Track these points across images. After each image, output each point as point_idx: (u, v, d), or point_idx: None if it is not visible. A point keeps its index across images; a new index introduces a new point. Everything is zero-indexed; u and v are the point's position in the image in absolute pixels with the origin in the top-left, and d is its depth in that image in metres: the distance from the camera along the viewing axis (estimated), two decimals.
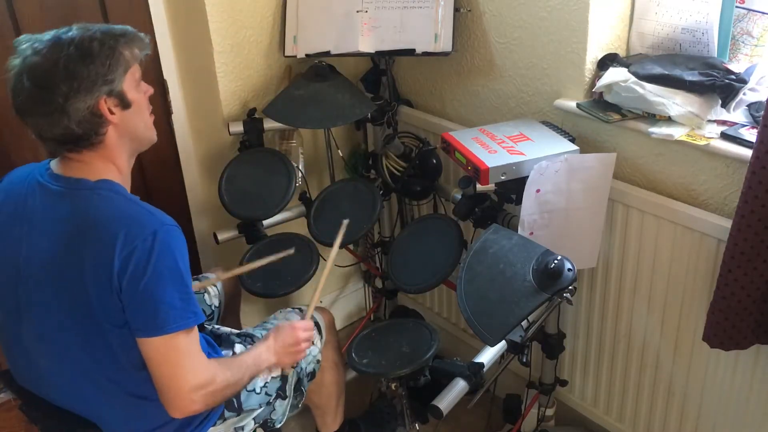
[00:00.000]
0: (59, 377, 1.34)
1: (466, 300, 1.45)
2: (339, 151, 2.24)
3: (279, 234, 2.00)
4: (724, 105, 1.49)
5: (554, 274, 1.37)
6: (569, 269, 1.38)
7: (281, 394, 1.61)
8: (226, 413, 1.50)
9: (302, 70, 2.08)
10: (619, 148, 1.68)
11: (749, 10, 1.57)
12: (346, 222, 1.72)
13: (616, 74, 1.59)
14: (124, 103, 1.28)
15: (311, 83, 1.97)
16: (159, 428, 1.38)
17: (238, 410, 1.52)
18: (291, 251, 1.73)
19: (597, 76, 1.68)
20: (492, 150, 1.62)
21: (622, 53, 1.72)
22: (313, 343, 1.70)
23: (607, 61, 1.67)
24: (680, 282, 1.60)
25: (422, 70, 2.17)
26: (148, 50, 1.34)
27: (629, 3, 1.70)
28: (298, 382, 1.65)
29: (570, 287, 1.37)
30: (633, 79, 1.56)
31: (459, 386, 1.53)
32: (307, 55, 2.02)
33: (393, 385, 1.70)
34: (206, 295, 1.78)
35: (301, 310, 1.77)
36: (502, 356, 1.61)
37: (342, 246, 1.75)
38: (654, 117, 1.58)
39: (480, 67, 1.96)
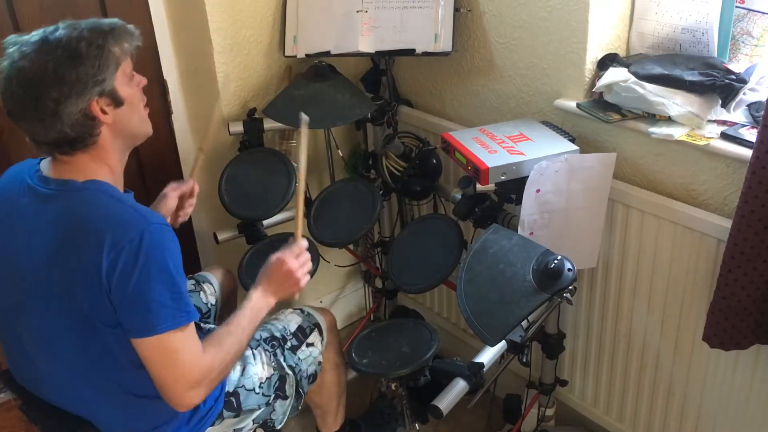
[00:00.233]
0: (58, 378, 1.34)
1: (466, 300, 1.45)
2: (339, 151, 2.24)
3: (279, 234, 2.00)
4: (724, 105, 1.49)
5: (554, 274, 1.37)
6: (569, 269, 1.38)
7: (281, 394, 1.61)
8: (225, 413, 1.50)
9: (302, 70, 2.08)
10: (619, 148, 1.68)
11: (749, 10, 1.57)
12: (306, 119, 1.53)
13: (616, 74, 1.59)
14: (117, 102, 1.27)
15: (311, 83, 1.97)
16: (158, 428, 1.38)
17: (237, 411, 1.52)
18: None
19: (597, 76, 1.68)
20: (492, 150, 1.62)
21: (622, 53, 1.72)
22: (312, 344, 1.70)
23: (607, 61, 1.67)
24: (680, 282, 1.60)
25: (422, 70, 2.17)
26: (138, 42, 1.31)
27: (629, 3, 1.70)
28: (298, 383, 1.65)
29: (570, 287, 1.37)
30: (633, 79, 1.56)
31: (459, 386, 1.53)
32: (307, 55, 2.02)
33: (393, 385, 1.69)
34: (202, 293, 1.78)
35: (302, 311, 1.76)
36: (502, 356, 1.61)
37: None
38: (654, 117, 1.58)
39: (480, 67, 1.96)
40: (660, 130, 1.54)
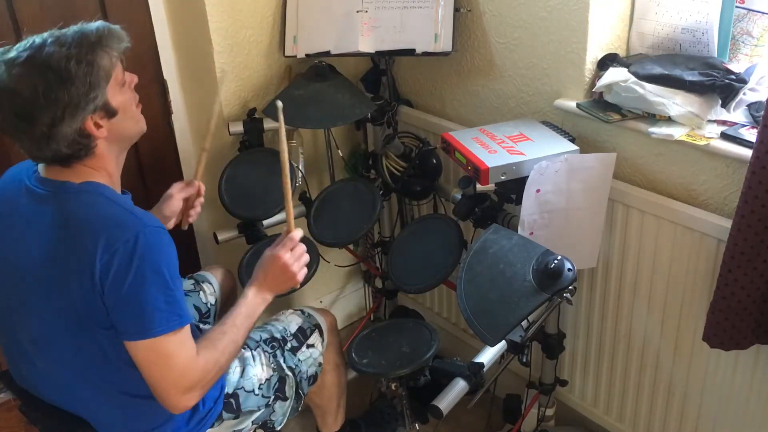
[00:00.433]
0: (57, 378, 1.34)
1: (466, 300, 1.45)
2: (339, 151, 2.24)
3: (279, 234, 2.00)
4: (724, 105, 1.49)
5: (554, 274, 1.37)
6: (569, 269, 1.38)
7: (281, 395, 1.61)
8: (224, 415, 1.50)
9: (302, 70, 2.08)
10: (619, 148, 1.68)
11: (749, 10, 1.57)
12: (280, 105, 1.51)
13: (616, 74, 1.59)
14: (110, 113, 1.26)
15: (311, 83, 1.97)
16: (157, 429, 1.38)
17: (237, 412, 1.52)
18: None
19: (597, 76, 1.68)
20: (492, 150, 1.62)
21: (622, 53, 1.72)
22: (313, 346, 1.70)
23: (607, 61, 1.67)
24: (680, 282, 1.60)
25: (422, 70, 2.17)
26: (127, 43, 1.28)
27: (629, 3, 1.70)
28: (298, 385, 1.65)
29: (570, 287, 1.37)
30: (633, 79, 1.56)
31: (459, 386, 1.53)
32: (307, 55, 2.02)
33: (393, 385, 1.70)
34: (202, 293, 1.78)
35: (303, 312, 1.76)
36: (502, 356, 1.61)
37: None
38: (654, 117, 1.58)
39: (480, 67, 1.96)
40: (660, 130, 1.54)
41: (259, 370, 1.57)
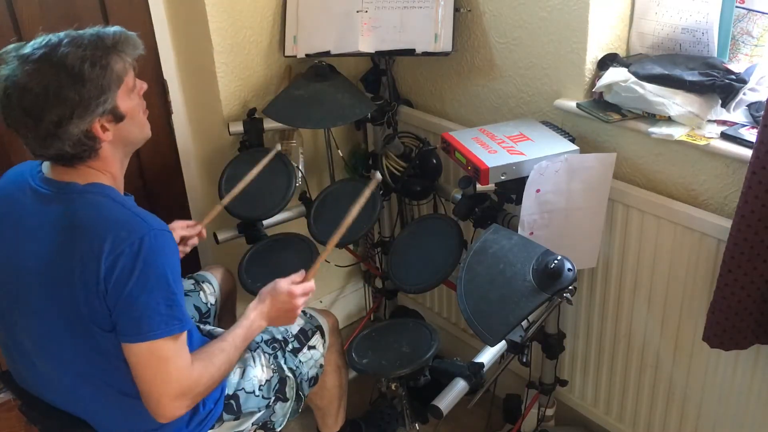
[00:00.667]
0: (57, 379, 1.34)
1: (466, 300, 1.45)
2: (339, 151, 2.24)
3: (279, 234, 2.00)
4: (724, 105, 1.49)
5: (554, 274, 1.37)
6: (569, 269, 1.38)
7: (281, 396, 1.60)
8: (225, 416, 1.50)
9: (302, 70, 2.08)
10: (619, 148, 1.68)
11: (749, 10, 1.57)
12: (378, 176, 1.64)
13: (616, 74, 1.59)
14: (118, 117, 1.26)
15: (311, 83, 1.96)
16: (157, 429, 1.37)
17: (237, 413, 1.52)
18: (272, 153, 1.76)
19: (597, 76, 1.68)
20: (492, 150, 1.62)
21: (622, 53, 1.72)
22: (314, 347, 1.70)
23: (607, 61, 1.67)
24: (680, 282, 1.60)
25: (422, 70, 2.17)
26: (141, 51, 1.30)
27: (629, 3, 1.70)
28: (299, 386, 1.65)
29: (570, 287, 1.37)
30: (633, 79, 1.56)
31: (459, 386, 1.53)
32: (307, 55, 2.02)
33: (393, 385, 1.69)
34: (201, 293, 1.78)
35: (304, 312, 1.76)
36: (502, 356, 1.61)
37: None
38: (654, 117, 1.58)
39: (480, 67, 1.96)
40: (660, 130, 1.54)
41: (259, 372, 1.57)
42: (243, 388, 1.53)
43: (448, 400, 1.50)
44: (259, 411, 1.56)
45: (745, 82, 1.46)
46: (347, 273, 2.60)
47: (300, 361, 1.66)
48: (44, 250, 1.24)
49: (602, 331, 1.84)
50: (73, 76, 1.18)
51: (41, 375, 1.36)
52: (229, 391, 1.51)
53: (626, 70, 1.59)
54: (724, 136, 1.48)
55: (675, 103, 1.51)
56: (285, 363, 1.63)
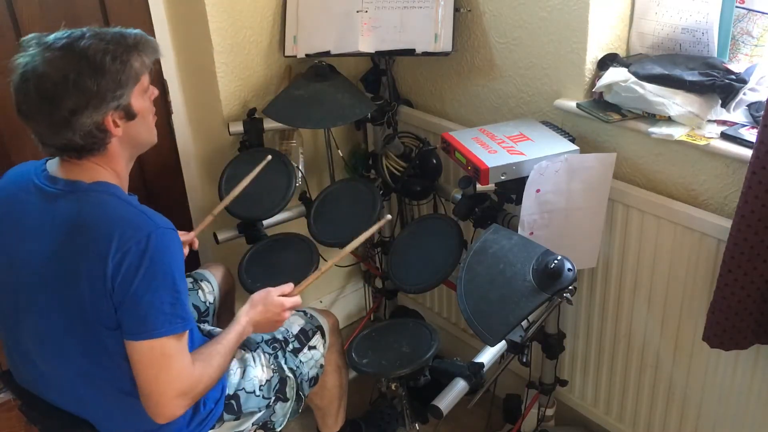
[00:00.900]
0: (58, 379, 1.34)
1: (466, 300, 1.45)
2: (339, 151, 2.24)
3: (279, 234, 2.00)
4: (724, 105, 1.49)
5: (554, 274, 1.37)
6: (569, 269, 1.38)
7: (281, 396, 1.60)
8: (225, 416, 1.50)
9: (302, 70, 2.08)
10: (619, 148, 1.68)
11: (749, 10, 1.57)
12: (388, 217, 1.70)
13: (616, 74, 1.59)
14: (130, 115, 1.28)
15: (311, 83, 1.97)
16: (158, 429, 1.37)
17: (238, 413, 1.52)
18: (269, 158, 1.77)
19: (597, 76, 1.68)
20: (492, 150, 1.62)
21: (622, 53, 1.72)
22: (315, 347, 1.70)
23: (607, 61, 1.67)
24: (680, 282, 1.60)
25: (422, 70, 2.17)
26: (159, 55, 1.33)
27: (629, 3, 1.70)
28: (299, 386, 1.65)
29: (570, 287, 1.37)
30: (633, 79, 1.56)
31: (459, 386, 1.53)
32: (307, 55, 2.02)
33: (393, 385, 1.69)
34: (200, 292, 1.78)
35: (305, 312, 1.76)
36: (502, 356, 1.61)
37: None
38: (654, 117, 1.58)
39: (480, 67, 1.96)
40: (660, 130, 1.54)
41: (259, 372, 1.57)
42: (243, 388, 1.53)
43: (448, 400, 1.50)
44: (260, 411, 1.56)
45: (745, 82, 1.46)
46: (347, 273, 2.60)
47: (300, 361, 1.66)
48: (47, 249, 1.25)
49: (602, 331, 1.84)
50: (93, 66, 1.20)
51: (42, 374, 1.36)
52: (229, 391, 1.51)
53: (626, 70, 1.59)
54: (724, 136, 1.48)
55: (675, 103, 1.52)
56: (285, 363, 1.63)
